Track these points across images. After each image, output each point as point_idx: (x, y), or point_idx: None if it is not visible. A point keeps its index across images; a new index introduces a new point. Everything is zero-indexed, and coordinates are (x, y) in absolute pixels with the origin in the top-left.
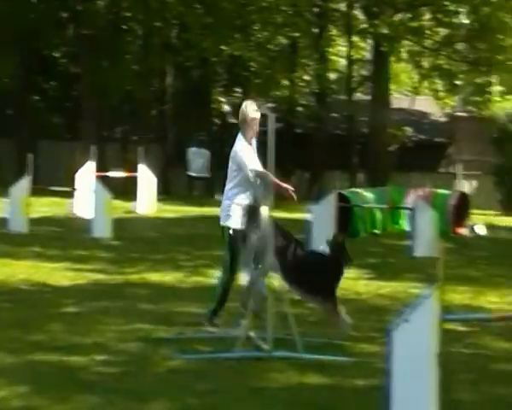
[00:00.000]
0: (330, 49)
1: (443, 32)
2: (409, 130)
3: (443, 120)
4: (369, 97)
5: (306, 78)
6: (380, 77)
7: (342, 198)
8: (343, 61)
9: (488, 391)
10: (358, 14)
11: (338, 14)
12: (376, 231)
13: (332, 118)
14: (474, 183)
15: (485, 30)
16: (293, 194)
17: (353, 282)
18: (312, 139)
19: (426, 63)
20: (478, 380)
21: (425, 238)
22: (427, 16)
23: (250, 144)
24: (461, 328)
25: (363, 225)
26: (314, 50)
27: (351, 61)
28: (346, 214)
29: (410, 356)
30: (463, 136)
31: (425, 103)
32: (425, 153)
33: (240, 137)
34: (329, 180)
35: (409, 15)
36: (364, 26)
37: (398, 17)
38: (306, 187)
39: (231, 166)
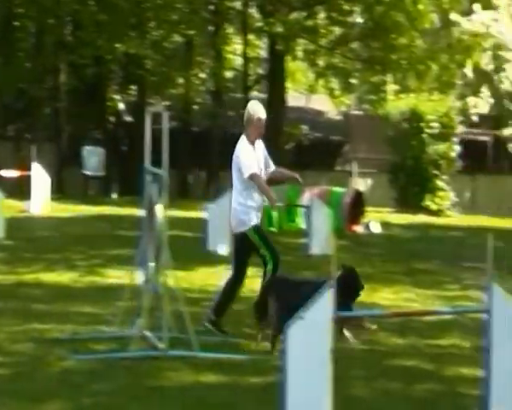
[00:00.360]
0: (226, 48)
1: (338, 31)
2: (305, 128)
3: (338, 118)
4: (265, 96)
5: (202, 76)
6: (276, 75)
7: None
8: (239, 60)
9: (382, 386)
10: (254, 12)
11: (233, 13)
12: (273, 230)
13: (228, 116)
14: (369, 181)
15: (379, 29)
16: (275, 205)
17: (249, 280)
18: (209, 138)
19: (321, 62)
20: (372, 376)
21: (320, 236)
22: (322, 15)
23: (253, 145)
24: None
25: None
26: (210, 48)
27: (247, 60)
28: None
29: (304, 353)
30: (359, 134)
31: (321, 102)
32: (321, 151)
33: (242, 138)
34: (227, 179)
35: (304, 14)
36: (260, 24)
37: (293, 16)
38: (203, 186)
39: (235, 168)
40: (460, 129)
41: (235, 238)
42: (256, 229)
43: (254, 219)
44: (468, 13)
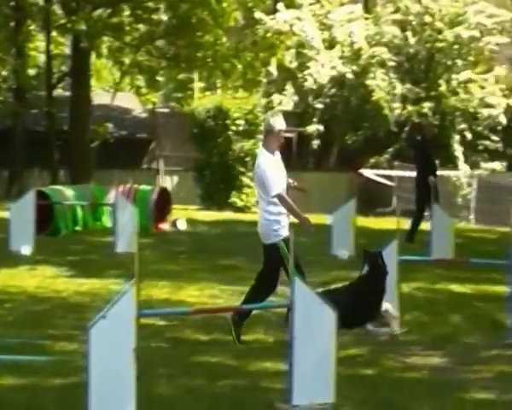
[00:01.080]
0: (29, 45)
1: (143, 28)
2: (110, 126)
3: (144, 115)
4: (69, 93)
5: (4, 73)
6: (80, 73)
7: (42, 196)
8: (42, 57)
9: (186, 383)
10: (57, 9)
11: (36, 9)
12: (78, 229)
13: (32, 114)
14: (176, 178)
15: (184, 27)
16: (310, 226)
17: (52, 280)
18: (11, 136)
19: (126, 59)
20: (176, 373)
21: (126, 234)
22: (127, 13)
23: (273, 155)
24: (160, 322)
25: (65, 223)
26: (11, 45)
27: (50, 57)
28: (47, 212)
29: (107, 352)
30: (165, 132)
31: (127, 99)
32: (127, 149)
33: (262, 150)
34: (30, 178)
35: (108, 11)
36: (63, 21)
37: (97, 13)
38: (5, 185)
39: (259, 182)
40: None
41: (265, 249)
42: (286, 242)
43: (285, 230)
44: (272, 11)
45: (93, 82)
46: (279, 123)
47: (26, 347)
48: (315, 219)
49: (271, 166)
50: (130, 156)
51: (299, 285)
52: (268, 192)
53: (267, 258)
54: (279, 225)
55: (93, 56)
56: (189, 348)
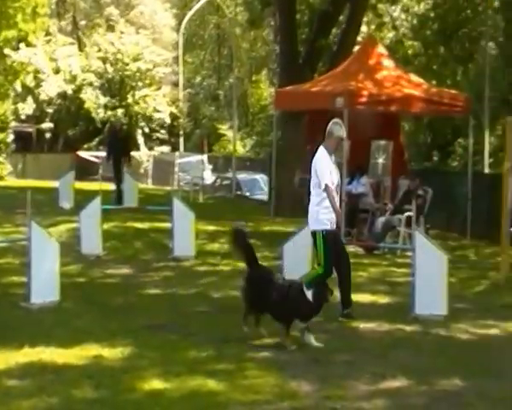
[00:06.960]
0: None
1: None
2: None
3: None
4: None
5: None
6: None
7: None
8: None
9: None
10: None
11: None
12: None
13: None
14: None
15: None
16: (339, 215)
17: None
18: None
19: None
20: None
21: None
22: None
23: (330, 156)
24: None
25: None
26: None
27: None
28: None
29: None
30: None
31: None
32: None
33: (321, 148)
34: None
35: None
36: None
37: None
38: None
39: (313, 174)
40: (13, 124)
41: (312, 236)
42: (325, 236)
43: (327, 223)
44: (16, 48)
45: None
46: (339, 132)
47: None
48: (49, 184)
49: (326, 161)
50: None
51: (34, 226)
52: (319, 183)
53: (314, 244)
54: (322, 216)
55: None
56: None
